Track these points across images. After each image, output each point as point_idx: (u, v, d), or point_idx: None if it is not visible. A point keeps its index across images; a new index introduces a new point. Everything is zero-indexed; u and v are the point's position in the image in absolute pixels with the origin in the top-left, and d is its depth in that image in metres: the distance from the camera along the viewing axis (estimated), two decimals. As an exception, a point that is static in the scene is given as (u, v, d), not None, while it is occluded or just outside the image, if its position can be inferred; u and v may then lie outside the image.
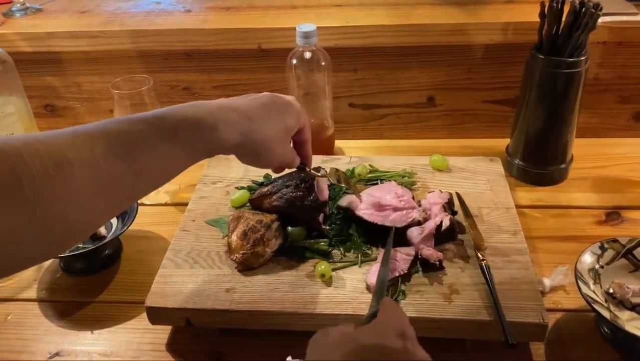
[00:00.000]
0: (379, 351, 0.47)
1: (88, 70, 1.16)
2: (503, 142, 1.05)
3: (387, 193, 0.82)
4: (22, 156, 0.44)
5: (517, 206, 0.86)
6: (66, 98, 1.21)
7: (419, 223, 0.78)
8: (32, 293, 0.82)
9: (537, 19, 0.90)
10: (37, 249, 0.47)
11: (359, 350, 0.47)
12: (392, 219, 0.78)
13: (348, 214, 0.81)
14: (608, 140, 1.11)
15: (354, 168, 0.92)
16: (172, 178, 0.56)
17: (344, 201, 0.82)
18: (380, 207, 0.80)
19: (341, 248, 0.78)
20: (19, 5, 1.22)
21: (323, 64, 0.98)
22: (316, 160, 0.93)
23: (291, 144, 0.69)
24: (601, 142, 1.10)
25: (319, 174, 0.78)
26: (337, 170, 0.82)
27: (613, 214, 0.91)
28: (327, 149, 1.07)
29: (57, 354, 0.73)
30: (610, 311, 0.68)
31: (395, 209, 0.79)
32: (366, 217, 0.79)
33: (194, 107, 0.56)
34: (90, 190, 0.47)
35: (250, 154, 0.62)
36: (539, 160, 0.98)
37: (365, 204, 0.80)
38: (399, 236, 0.77)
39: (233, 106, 0.59)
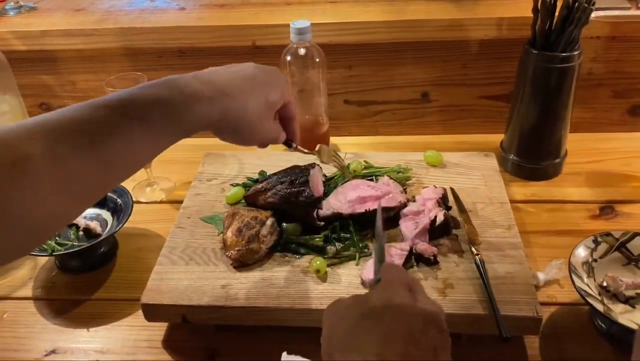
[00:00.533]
0: (391, 307, 0.47)
1: (82, 68, 1.16)
2: (498, 138, 1.05)
3: (360, 187, 0.83)
4: None
5: (512, 201, 0.87)
6: (61, 97, 1.20)
7: (404, 205, 0.80)
8: (27, 291, 0.82)
9: (532, 14, 0.90)
10: None
11: (372, 308, 0.48)
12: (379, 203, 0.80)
13: (336, 218, 0.80)
14: (602, 135, 1.12)
15: (349, 164, 0.92)
16: (145, 164, 0.53)
17: (325, 211, 0.81)
18: (362, 200, 0.80)
19: (337, 244, 0.78)
20: (12, 3, 1.22)
21: (317, 60, 0.98)
22: (312, 157, 0.93)
23: (277, 119, 0.65)
24: (595, 137, 1.11)
25: (305, 150, 0.74)
26: (327, 148, 0.80)
27: (607, 209, 0.92)
28: (322, 145, 1.07)
29: (53, 352, 0.73)
30: (603, 304, 0.68)
31: (377, 198, 0.80)
32: (352, 210, 0.79)
33: (161, 85, 0.52)
34: (54, 186, 0.44)
35: (229, 131, 0.58)
36: (533, 155, 0.99)
37: (347, 204, 0.80)
38: (391, 220, 0.79)
39: (208, 79, 0.55)
